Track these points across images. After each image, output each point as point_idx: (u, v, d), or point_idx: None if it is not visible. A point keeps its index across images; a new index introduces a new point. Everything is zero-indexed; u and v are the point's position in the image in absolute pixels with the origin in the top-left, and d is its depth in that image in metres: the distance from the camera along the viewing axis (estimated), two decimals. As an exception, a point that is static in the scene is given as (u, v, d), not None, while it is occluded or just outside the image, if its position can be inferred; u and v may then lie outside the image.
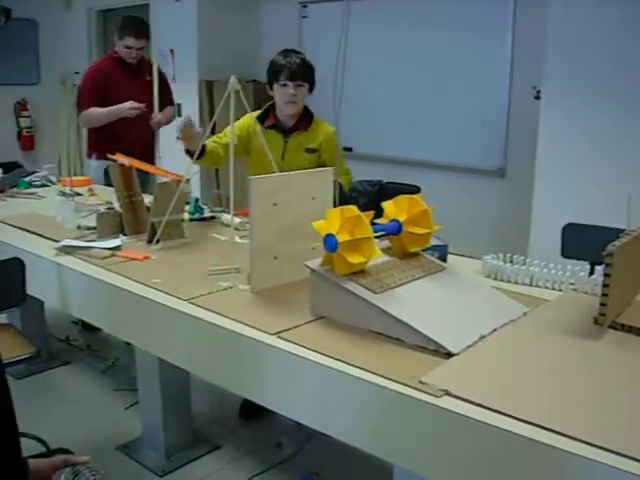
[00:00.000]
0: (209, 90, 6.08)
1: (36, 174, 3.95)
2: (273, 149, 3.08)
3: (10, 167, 4.41)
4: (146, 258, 2.29)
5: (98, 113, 4.08)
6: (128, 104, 4.00)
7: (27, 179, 3.84)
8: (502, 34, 4.69)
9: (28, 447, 2.65)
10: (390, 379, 1.37)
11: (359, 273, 1.69)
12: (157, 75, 4.09)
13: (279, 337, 1.60)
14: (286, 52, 3.05)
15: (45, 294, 2.44)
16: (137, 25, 4.09)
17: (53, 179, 3.97)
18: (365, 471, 2.62)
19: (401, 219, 1.86)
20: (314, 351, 1.52)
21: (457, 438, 1.27)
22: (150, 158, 4.18)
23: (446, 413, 1.27)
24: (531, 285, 2.05)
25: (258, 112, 3.12)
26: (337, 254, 1.62)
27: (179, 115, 6.11)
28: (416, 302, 1.65)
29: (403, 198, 1.90)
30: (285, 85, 2.96)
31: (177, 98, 6.03)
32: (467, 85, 4.91)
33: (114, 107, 4.04)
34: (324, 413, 1.51)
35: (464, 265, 2.22)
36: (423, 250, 2.08)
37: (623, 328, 1.64)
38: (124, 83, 4.18)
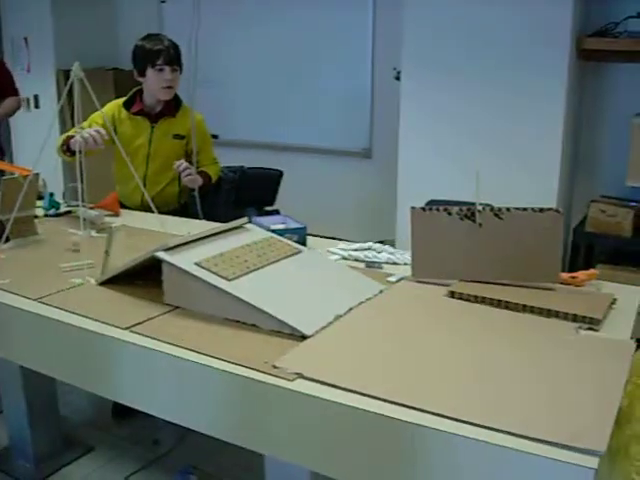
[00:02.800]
0: (68, 80, 5.83)
1: None
2: (140, 136, 3.00)
3: None
4: (-5, 259, 2.16)
5: None
6: None
7: None
8: (363, 15, 4.75)
9: None
10: (244, 366, 1.36)
11: (211, 260, 1.66)
12: None
13: (131, 331, 1.55)
14: (153, 36, 2.98)
15: None
16: None
17: None
18: (243, 461, 2.61)
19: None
20: (167, 343, 1.48)
21: (313, 419, 1.28)
22: None
23: (299, 396, 1.27)
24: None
25: (123, 99, 3.03)
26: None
27: (36, 107, 5.86)
28: (270, 286, 1.64)
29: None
30: (162, 70, 2.90)
31: (34, 89, 5.77)
32: (329, 67, 4.95)
33: None
34: (181, 406, 1.48)
35: (325, 247, 2.24)
36: (281, 233, 2.08)
37: (476, 299, 1.70)
38: None
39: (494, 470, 1.10)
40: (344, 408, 1.22)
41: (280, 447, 1.36)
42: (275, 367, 1.34)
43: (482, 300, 1.67)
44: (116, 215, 2.84)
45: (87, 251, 2.09)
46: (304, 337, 1.48)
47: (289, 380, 1.30)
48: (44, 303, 1.74)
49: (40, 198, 2.88)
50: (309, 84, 5.05)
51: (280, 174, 4.31)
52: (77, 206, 2.86)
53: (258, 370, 1.34)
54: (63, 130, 5.19)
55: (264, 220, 2.38)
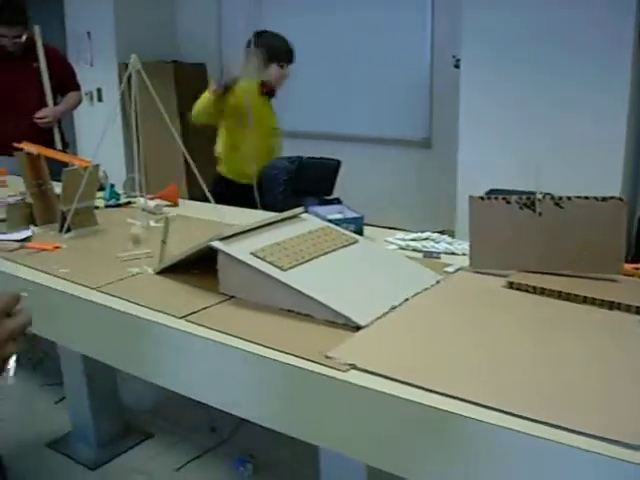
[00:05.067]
0: (130, 73, 5.92)
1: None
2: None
3: None
4: (56, 248, 2.20)
5: None
6: None
7: (-63, 174, 3.68)
8: (422, 3, 4.68)
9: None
10: (297, 356, 1.35)
11: (266, 250, 1.65)
12: (44, 61, 3.98)
13: (186, 320, 1.56)
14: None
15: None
16: (9, 12, 3.92)
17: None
18: (300, 451, 2.61)
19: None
20: (220, 332, 1.48)
21: (365, 412, 1.26)
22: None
23: (352, 387, 1.25)
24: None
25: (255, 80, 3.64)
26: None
27: (99, 100, 5.98)
28: (325, 276, 1.62)
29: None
30: (283, 67, 3.64)
31: (97, 83, 5.89)
32: (389, 56, 4.91)
33: None
34: (235, 395, 1.48)
35: (383, 237, 2.21)
36: (337, 223, 2.06)
37: (535, 291, 1.65)
38: (7, 75, 4.06)
39: (555, 469, 1.06)
40: (398, 400, 1.20)
41: (332, 439, 1.34)
42: (328, 358, 1.32)
43: (541, 291, 1.62)
44: (175, 205, 2.87)
45: (145, 241, 2.12)
46: (358, 328, 1.46)
47: (342, 371, 1.28)
48: (102, 292, 1.77)
49: (101, 189, 2.93)
50: (368, 73, 5.02)
51: (338, 164, 4.29)
52: (137, 197, 2.91)
53: (311, 360, 1.32)
54: (125, 123, 5.29)
55: (321, 210, 2.36)
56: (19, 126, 3.90)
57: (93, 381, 2.71)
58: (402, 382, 1.23)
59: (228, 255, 1.64)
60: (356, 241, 1.86)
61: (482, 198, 1.73)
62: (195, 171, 2.35)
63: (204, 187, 2.24)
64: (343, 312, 1.47)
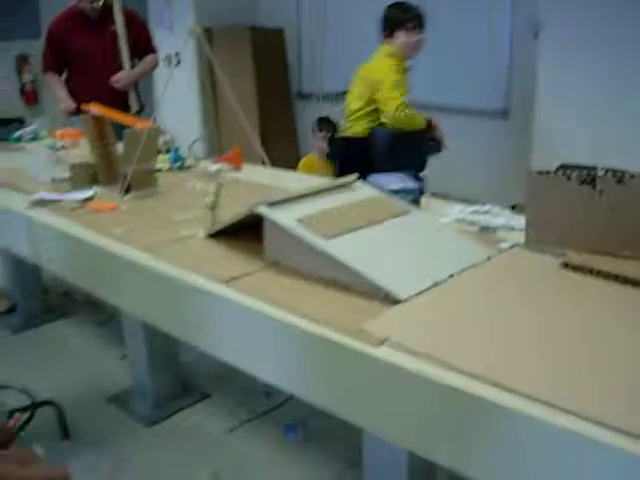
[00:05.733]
0: (209, 39, 5.96)
1: (26, 129, 3.90)
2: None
3: (12, 123, 4.38)
4: (114, 208, 2.24)
5: (52, 87, 4.32)
6: (62, 105, 4.18)
7: (17, 134, 3.79)
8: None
9: (14, 399, 2.70)
10: (330, 328, 1.32)
11: (312, 217, 1.62)
12: (122, 24, 4.02)
13: (227, 285, 1.55)
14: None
15: (18, 248, 2.41)
16: None
17: (44, 133, 3.92)
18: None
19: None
20: (258, 299, 1.46)
21: (394, 390, 1.22)
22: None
23: (382, 364, 1.21)
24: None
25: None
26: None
27: (177, 64, 6.03)
28: (369, 247, 1.58)
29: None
30: (411, 33, 3.69)
31: (176, 47, 5.94)
32: (466, 24, 4.74)
33: (60, 96, 4.25)
34: (269, 364, 1.46)
35: (440, 209, 2.14)
36: (394, 193, 2.01)
37: (591, 273, 1.56)
38: (85, 38, 4.12)
39: (594, 467, 1.00)
40: (429, 381, 1.15)
41: (362, 416, 1.31)
42: (362, 331, 1.29)
43: (598, 273, 1.53)
44: (238, 169, 2.86)
45: (202, 204, 2.12)
46: (398, 302, 1.41)
47: (374, 345, 1.24)
48: (150, 253, 1.78)
49: (168, 152, 2.96)
50: (444, 42, 4.86)
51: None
52: (200, 160, 2.92)
53: (344, 333, 1.29)
54: (202, 87, 5.33)
55: (380, 178, 2.31)
56: (96, 89, 3.97)
57: (152, 341, 2.76)
58: (435, 360, 1.19)
59: (272, 221, 1.62)
60: (407, 212, 1.81)
61: (541, 173, 1.65)
62: (255, 138, 2.33)
63: (261, 152, 2.22)
64: (383, 285, 1.43)
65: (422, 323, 1.34)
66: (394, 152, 3.79)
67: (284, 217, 1.62)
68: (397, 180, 2.30)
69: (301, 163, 4.54)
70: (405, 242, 1.67)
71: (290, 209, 1.67)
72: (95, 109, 2.55)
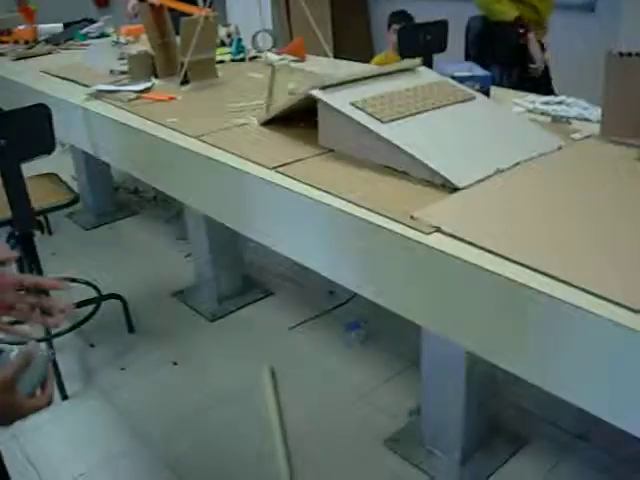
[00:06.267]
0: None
1: (92, 25, 3.86)
2: None
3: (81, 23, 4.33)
4: (171, 99, 2.18)
5: None
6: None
7: (83, 31, 3.76)
8: None
9: (81, 292, 2.76)
10: (382, 214, 1.24)
11: (369, 101, 1.52)
12: None
13: (276, 171, 1.48)
14: None
15: (77, 140, 2.40)
16: None
17: (110, 30, 3.87)
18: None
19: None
20: (309, 185, 1.39)
21: (445, 279, 1.14)
22: None
23: (432, 251, 1.13)
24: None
25: None
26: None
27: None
28: (428, 132, 1.47)
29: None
30: None
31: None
32: None
33: None
34: (318, 252, 1.40)
35: (512, 99, 1.99)
36: (461, 80, 1.87)
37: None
38: None
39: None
40: (480, 271, 1.06)
41: (412, 308, 1.24)
42: (413, 218, 1.20)
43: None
44: (302, 60, 2.75)
45: (260, 94, 2.03)
46: (456, 189, 1.31)
47: (425, 233, 1.16)
48: (201, 140, 1.72)
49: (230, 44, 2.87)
50: None
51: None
52: (263, 51, 2.81)
53: (395, 220, 1.21)
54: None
55: (448, 66, 2.16)
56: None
57: (215, 237, 2.74)
58: (489, 251, 1.09)
59: (326, 104, 1.53)
60: (473, 98, 1.67)
61: (621, 54, 1.48)
62: (316, 29, 2.20)
63: (323, 42, 2.10)
64: (440, 171, 1.33)
65: (478, 212, 1.23)
66: (482, 40, 3.57)
67: (338, 100, 1.52)
68: (465, 68, 2.15)
69: (374, 60, 4.33)
70: (468, 128, 1.55)
71: (346, 92, 1.57)
72: (154, -2, 2.46)
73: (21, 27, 3.69)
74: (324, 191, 1.35)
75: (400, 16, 4.38)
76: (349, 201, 1.30)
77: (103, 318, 2.71)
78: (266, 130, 1.77)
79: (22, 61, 3.19)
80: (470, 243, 1.12)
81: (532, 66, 3.49)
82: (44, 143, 2.11)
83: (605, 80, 1.53)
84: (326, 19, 5.67)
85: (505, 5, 3.41)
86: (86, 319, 2.65)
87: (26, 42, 3.59)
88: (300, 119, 1.74)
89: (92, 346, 2.68)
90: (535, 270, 1.02)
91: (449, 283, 1.13)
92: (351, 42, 5.76)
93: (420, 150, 1.37)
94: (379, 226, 1.21)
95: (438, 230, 1.16)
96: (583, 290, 0.96)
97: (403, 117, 1.49)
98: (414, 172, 1.37)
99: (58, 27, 3.88)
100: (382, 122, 1.45)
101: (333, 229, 1.33)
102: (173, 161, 1.79)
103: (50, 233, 3.66)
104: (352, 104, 1.51)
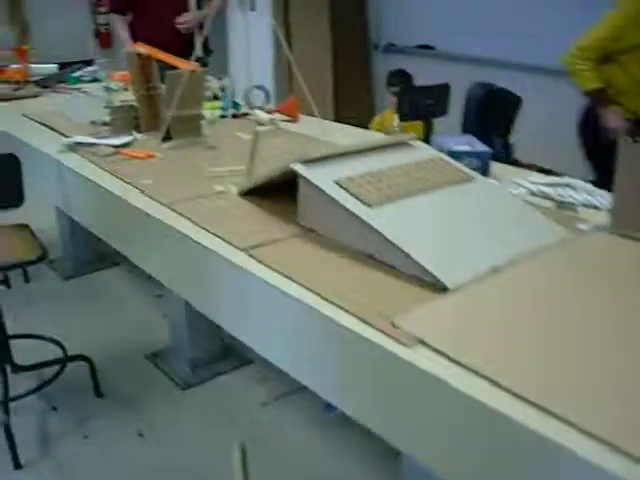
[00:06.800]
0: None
1: (86, 69, 3.77)
2: None
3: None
4: (150, 157, 2.04)
5: (115, 28, 4.27)
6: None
7: (77, 74, 3.66)
8: None
9: (47, 351, 2.60)
10: (359, 318, 1.08)
11: (355, 179, 1.37)
12: None
13: (248, 254, 1.32)
14: None
15: (49, 193, 2.25)
16: None
17: (103, 74, 3.77)
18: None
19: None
20: (280, 273, 1.23)
21: (425, 399, 0.98)
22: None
23: (414, 368, 0.97)
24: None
25: None
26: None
27: (251, 9, 5.77)
28: (419, 219, 1.32)
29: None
30: None
31: (250, -10, 5.69)
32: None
33: (123, 37, 4.13)
34: (283, 349, 1.25)
35: (512, 178, 1.85)
36: (457, 156, 1.74)
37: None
38: None
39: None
40: (468, 400, 0.90)
41: (381, 421, 1.08)
42: (394, 326, 1.04)
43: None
44: (294, 121, 2.62)
45: (246, 157, 1.89)
46: (445, 290, 1.16)
47: (406, 346, 1.00)
48: (171, 209, 1.57)
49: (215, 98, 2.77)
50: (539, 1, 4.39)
51: (518, 100, 3.73)
52: (254, 109, 2.69)
53: (373, 326, 1.05)
54: (275, 35, 5.07)
55: (446, 139, 2.03)
56: (160, 31, 3.80)
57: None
58: (479, 374, 0.93)
59: (308, 181, 1.38)
60: (471, 179, 1.53)
61: (636, 140, 1.34)
62: (304, 87, 2.07)
63: (312, 102, 1.97)
64: (432, 270, 1.17)
65: (468, 321, 1.07)
66: (483, 111, 3.46)
67: (320, 176, 1.38)
68: (464, 142, 2.02)
69: (372, 123, 4.22)
70: (464, 215, 1.40)
71: (330, 168, 1.43)
72: (141, 47, 2.34)
73: (14, 66, 3.59)
74: (295, 282, 1.20)
75: (398, 75, 4.29)
76: (323, 297, 1.14)
77: (70, 379, 2.55)
78: (244, 201, 1.62)
79: (6, 102, 3.07)
80: (455, 362, 0.95)
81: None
82: (11, 196, 1.97)
83: (618, 168, 1.39)
84: (327, 67, 5.61)
85: (586, 77, 3.20)
86: (50, 380, 2.49)
87: (17, 82, 3.48)
88: (281, 188, 1.60)
89: (54, 409, 2.51)
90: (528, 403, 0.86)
91: (429, 405, 0.97)
92: (353, 92, 5.70)
93: (408, 242, 1.22)
94: (354, 332, 1.05)
95: (421, 342, 1.00)
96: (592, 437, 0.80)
97: (393, 200, 1.34)
98: (401, 267, 1.22)
99: (53, 68, 3.78)
100: (369, 205, 1.30)
101: (301, 327, 1.17)
102: (139, 228, 1.64)
103: (27, 281, 3.50)
104: (336, 182, 1.36)
